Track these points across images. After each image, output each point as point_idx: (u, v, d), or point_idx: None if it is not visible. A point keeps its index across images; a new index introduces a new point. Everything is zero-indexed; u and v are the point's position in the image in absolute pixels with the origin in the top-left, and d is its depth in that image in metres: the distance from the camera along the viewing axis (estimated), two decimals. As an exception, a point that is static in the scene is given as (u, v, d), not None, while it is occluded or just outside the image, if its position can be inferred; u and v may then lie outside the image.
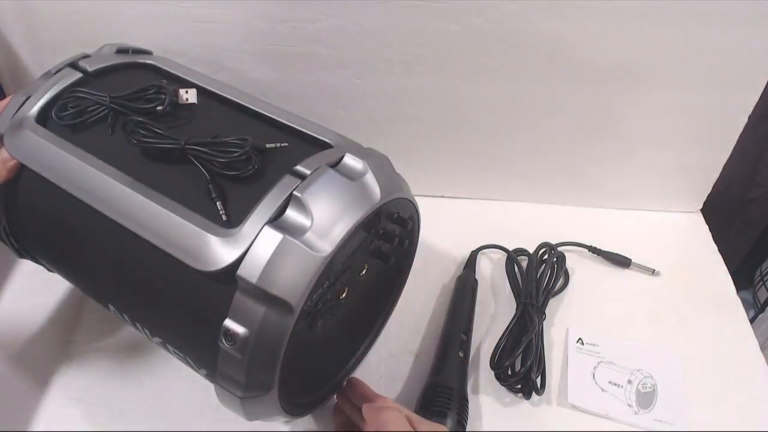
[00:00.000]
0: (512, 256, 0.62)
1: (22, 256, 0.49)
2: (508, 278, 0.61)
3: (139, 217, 0.38)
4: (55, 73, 0.45)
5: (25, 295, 0.57)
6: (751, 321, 0.64)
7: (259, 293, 0.34)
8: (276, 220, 0.36)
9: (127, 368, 0.52)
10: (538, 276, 0.58)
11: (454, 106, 0.61)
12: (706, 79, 0.58)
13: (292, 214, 0.36)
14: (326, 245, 0.35)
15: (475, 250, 0.63)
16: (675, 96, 0.59)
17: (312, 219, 0.35)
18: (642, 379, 0.54)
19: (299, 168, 0.38)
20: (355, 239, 0.39)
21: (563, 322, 0.58)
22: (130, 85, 0.44)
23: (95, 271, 0.44)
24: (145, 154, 0.41)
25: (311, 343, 0.42)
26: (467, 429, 0.48)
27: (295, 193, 0.36)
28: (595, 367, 0.55)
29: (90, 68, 0.45)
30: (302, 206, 0.36)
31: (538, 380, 0.51)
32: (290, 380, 0.40)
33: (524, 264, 0.61)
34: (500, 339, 0.53)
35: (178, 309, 0.40)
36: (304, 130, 0.43)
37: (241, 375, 0.36)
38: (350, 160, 0.39)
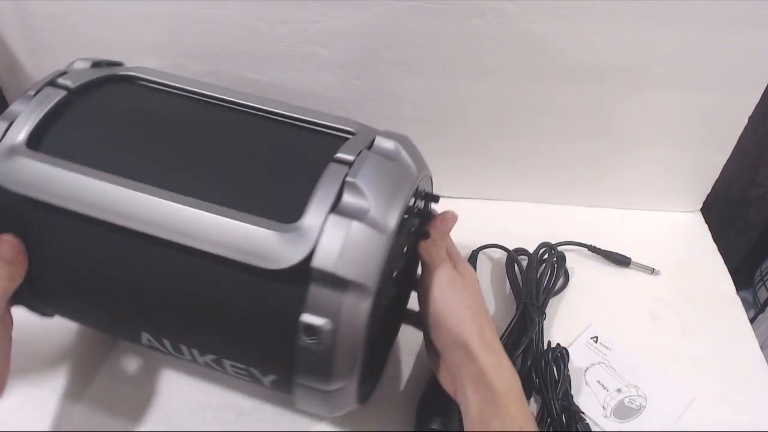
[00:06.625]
0: (512, 256, 0.62)
1: (46, 314, 0.45)
2: (509, 278, 0.60)
3: (193, 230, 0.36)
4: (34, 95, 0.41)
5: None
6: (751, 321, 0.64)
7: (337, 281, 0.35)
8: (336, 208, 0.36)
9: (127, 368, 0.52)
10: (538, 275, 0.58)
11: (454, 106, 0.61)
12: (706, 79, 0.57)
13: (350, 199, 0.36)
14: (388, 224, 0.37)
15: (475, 250, 0.63)
16: (675, 96, 0.59)
17: (369, 201, 0.36)
18: (634, 395, 0.53)
19: (341, 155, 0.38)
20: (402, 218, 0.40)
21: (563, 322, 0.58)
22: (119, 100, 0.43)
23: (129, 300, 0.41)
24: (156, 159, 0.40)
25: (374, 327, 0.41)
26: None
27: (348, 178, 0.37)
28: (592, 365, 0.55)
29: (72, 85, 0.42)
30: (358, 190, 0.37)
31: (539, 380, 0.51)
32: (363, 366, 0.40)
33: (524, 263, 0.61)
34: (500, 339, 0.53)
35: (242, 316, 0.38)
36: (321, 121, 0.43)
37: (327, 368, 0.37)
38: (383, 142, 0.40)
